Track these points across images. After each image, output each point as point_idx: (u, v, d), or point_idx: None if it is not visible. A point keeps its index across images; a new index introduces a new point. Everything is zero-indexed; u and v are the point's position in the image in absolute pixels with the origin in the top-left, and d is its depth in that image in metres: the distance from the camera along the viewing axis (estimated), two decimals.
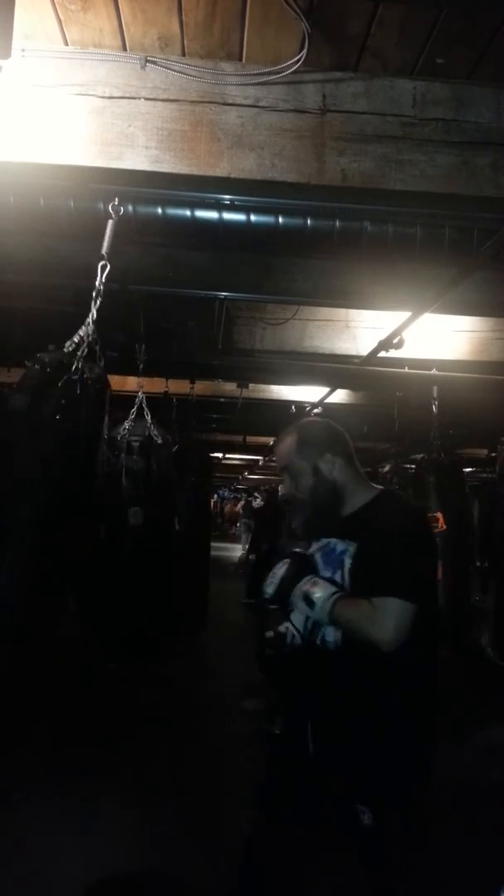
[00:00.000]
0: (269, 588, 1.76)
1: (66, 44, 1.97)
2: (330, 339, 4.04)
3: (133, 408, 3.35)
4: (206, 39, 1.93)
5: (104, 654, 3.73)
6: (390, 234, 2.18)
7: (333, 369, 4.06)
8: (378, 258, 2.32)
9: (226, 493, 23.39)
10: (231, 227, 2.16)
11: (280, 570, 1.77)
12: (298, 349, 4.03)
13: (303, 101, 2.01)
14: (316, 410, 5.37)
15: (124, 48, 1.97)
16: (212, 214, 2.14)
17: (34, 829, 2.84)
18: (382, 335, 3.39)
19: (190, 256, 2.89)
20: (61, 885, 2.49)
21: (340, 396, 5.36)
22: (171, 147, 1.98)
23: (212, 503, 11.48)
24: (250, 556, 11.71)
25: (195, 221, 2.15)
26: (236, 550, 14.77)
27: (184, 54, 1.98)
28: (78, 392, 1.84)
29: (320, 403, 5.27)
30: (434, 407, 4.06)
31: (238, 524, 18.13)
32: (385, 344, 3.37)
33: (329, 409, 5.31)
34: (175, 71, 1.97)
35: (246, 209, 2.14)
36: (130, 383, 3.99)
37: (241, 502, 18.88)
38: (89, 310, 2.01)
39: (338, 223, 2.16)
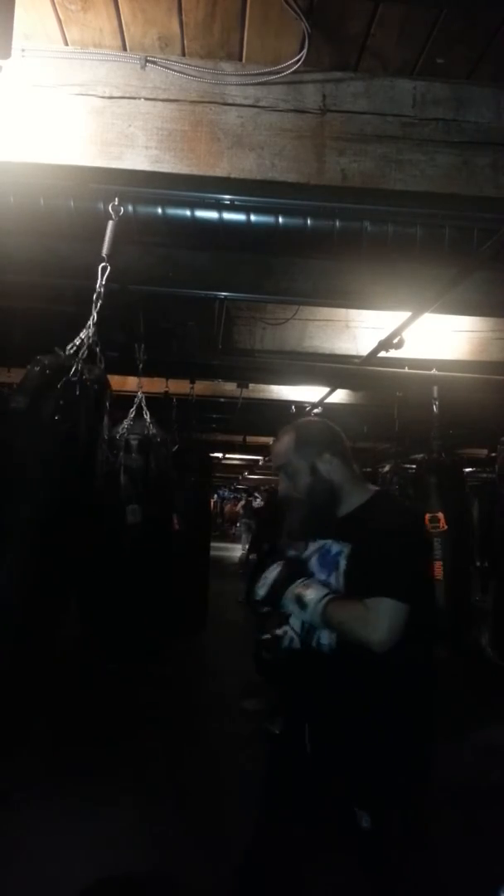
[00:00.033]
0: (261, 590, 1.76)
1: (66, 44, 1.97)
2: (330, 339, 4.04)
3: (132, 407, 3.36)
4: (206, 39, 1.93)
5: (104, 654, 3.72)
6: (390, 234, 2.18)
7: (333, 369, 4.06)
8: (378, 258, 2.32)
9: (226, 493, 23.39)
10: (231, 227, 2.16)
11: (272, 572, 1.77)
12: (298, 349, 4.03)
13: (303, 101, 2.01)
14: (316, 410, 5.37)
15: (124, 48, 1.97)
16: (212, 214, 2.14)
17: (34, 829, 2.84)
18: (382, 335, 3.39)
19: (190, 256, 2.89)
20: (61, 886, 2.49)
21: (340, 396, 5.37)
22: (171, 147, 1.98)
23: (212, 503, 11.48)
24: (251, 556, 11.70)
25: (195, 221, 2.15)
26: (236, 550, 14.75)
27: (184, 54, 1.98)
28: (77, 393, 1.85)
29: (320, 403, 5.27)
30: (435, 407, 4.05)
31: (238, 524, 18.12)
32: (385, 344, 3.37)
33: (329, 409, 5.31)
34: (175, 71, 1.97)
35: (246, 209, 2.14)
36: (130, 383, 3.99)
37: (242, 502, 18.88)
38: (89, 310, 2.01)
39: (338, 223, 2.16)
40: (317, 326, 4.03)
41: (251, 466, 13.38)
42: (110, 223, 2.06)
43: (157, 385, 4.40)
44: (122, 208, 2.07)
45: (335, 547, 1.75)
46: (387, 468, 5.75)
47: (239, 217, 2.15)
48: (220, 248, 2.42)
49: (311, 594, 1.66)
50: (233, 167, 1.99)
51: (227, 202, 2.13)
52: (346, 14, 1.81)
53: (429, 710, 1.71)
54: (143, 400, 3.40)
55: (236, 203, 2.13)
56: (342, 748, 1.67)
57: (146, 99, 1.98)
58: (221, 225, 2.16)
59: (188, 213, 2.14)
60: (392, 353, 3.43)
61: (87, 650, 3.39)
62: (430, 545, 3.20)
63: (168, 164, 1.98)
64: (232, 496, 23.28)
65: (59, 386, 1.84)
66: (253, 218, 2.15)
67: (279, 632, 1.80)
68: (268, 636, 1.82)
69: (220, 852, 2.43)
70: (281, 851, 1.73)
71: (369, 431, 6.18)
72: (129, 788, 3.27)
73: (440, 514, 3.66)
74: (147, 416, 3.35)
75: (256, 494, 15.93)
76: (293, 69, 1.92)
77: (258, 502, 14.47)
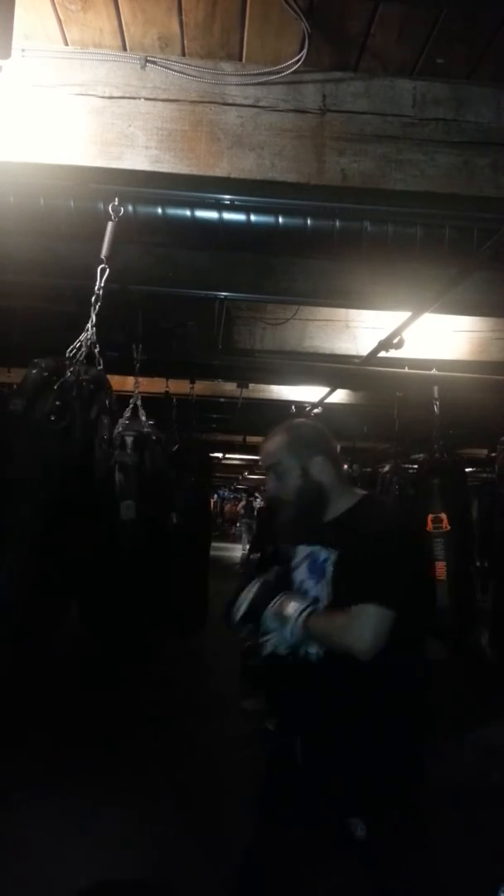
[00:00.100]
0: (238, 613, 1.74)
1: (66, 44, 1.97)
2: (330, 339, 4.03)
3: (128, 406, 3.35)
4: (206, 39, 1.93)
5: (104, 654, 3.72)
6: (390, 234, 2.18)
7: (333, 369, 4.05)
8: (378, 258, 2.32)
9: (226, 493, 23.39)
10: (231, 227, 2.16)
11: (250, 591, 1.75)
12: (298, 349, 4.02)
13: (303, 101, 2.01)
14: (316, 410, 5.36)
15: (124, 48, 1.97)
16: (212, 214, 2.14)
17: (34, 829, 2.84)
18: (382, 335, 3.39)
19: (190, 256, 2.89)
20: (61, 885, 2.50)
21: (340, 396, 5.35)
22: (171, 147, 1.98)
23: (212, 503, 11.47)
24: (251, 556, 11.71)
25: (195, 221, 2.15)
26: (236, 550, 14.76)
27: (184, 54, 1.98)
28: (74, 394, 1.85)
29: (320, 403, 5.26)
30: (436, 407, 4.05)
31: (238, 524, 18.13)
32: (385, 344, 3.36)
33: (329, 409, 5.30)
34: (175, 71, 1.97)
35: (246, 209, 2.14)
36: (130, 383, 3.98)
37: (242, 502, 18.90)
38: (89, 310, 2.01)
39: (338, 223, 2.16)
40: (317, 326, 4.02)
41: (251, 466, 13.36)
42: (110, 224, 2.06)
43: (158, 385, 4.39)
44: (121, 208, 2.07)
45: (323, 554, 1.74)
46: (387, 468, 5.74)
47: (239, 217, 2.15)
48: (220, 248, 2.42)
49: (290, 609, 1.66)
50: (233, 167, 1.99)
51: (227, 202, 2.13)
52: (346, 14, 1.81)
53: (420, 713, 1.70)
54: (140, 399, 3.40)
55: (236, 203, 2.13)
56: (333, 756, 1.67)
57: (146, 99, 1.98)
58: (221, 225, 2.16)
59: (188, 213, 2.14)
60: (392, 353, 3.42)
61: (87, 650, 3.38)
62: (422, 547, 3.17)
63: (168, 164, 1.98)
64: (232, 496, 23.28)
65: (55, 387, 1.84)
66: (253, 218, 2.15)
67: (263, 639, 1.79)
68: (249, 643, 1.82)
69: (220, 852, 2.43)
70: (281, 852, 1.73)
71: (369, 431, 6.16)
72: (129, 788, 3.27)
73: (443, 515, 3.65)
74: (142, 415, 3.34)
75: (257, 494, 15.94)
76: (293, 69, 1.92)
77: (259, 502, 14.48)
